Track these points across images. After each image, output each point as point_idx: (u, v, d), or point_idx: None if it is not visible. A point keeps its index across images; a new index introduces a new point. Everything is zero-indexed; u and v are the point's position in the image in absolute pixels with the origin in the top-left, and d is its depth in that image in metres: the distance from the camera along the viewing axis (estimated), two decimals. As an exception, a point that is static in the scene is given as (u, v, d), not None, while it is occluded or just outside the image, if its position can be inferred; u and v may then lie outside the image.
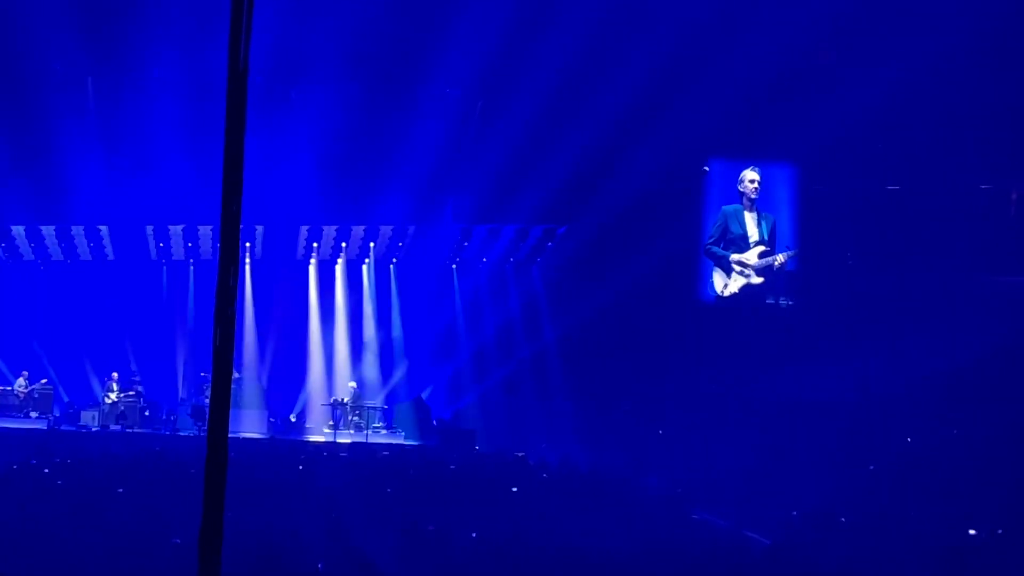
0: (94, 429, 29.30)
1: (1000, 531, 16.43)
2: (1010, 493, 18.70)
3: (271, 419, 31.18)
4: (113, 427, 29.36)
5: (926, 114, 26.82)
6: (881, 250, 28.31)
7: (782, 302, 29.01)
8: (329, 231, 33.22)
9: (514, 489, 19.07)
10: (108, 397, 30.83)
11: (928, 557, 14.26)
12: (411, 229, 32.74)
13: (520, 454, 25.92)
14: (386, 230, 33.12)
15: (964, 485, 19.87)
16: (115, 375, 31.42)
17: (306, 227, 32.69)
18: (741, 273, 28.83)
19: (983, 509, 17.70)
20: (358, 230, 33.18)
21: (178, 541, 12.89)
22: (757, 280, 28.79)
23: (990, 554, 14.69)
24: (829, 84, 26.22)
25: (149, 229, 32.25)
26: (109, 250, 33.21)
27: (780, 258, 28.58)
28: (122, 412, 30.01)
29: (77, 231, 32.23)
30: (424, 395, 32.85)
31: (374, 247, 33.88)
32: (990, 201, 28.17)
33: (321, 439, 29.91)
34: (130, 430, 29.13)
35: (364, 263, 34.49)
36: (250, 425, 29.50)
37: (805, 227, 29.03)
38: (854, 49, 26.17)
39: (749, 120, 27.96)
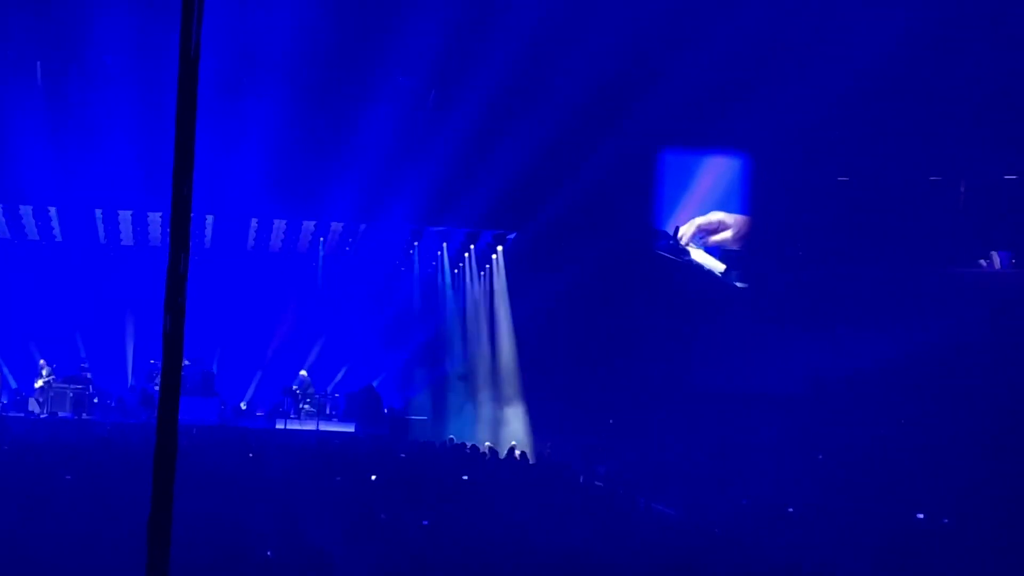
0: (42, 416, 29.05)
1: (946, 520, 16.63)
2: (957, 483, 18.91)
3: (221, 406, 31.02)
4: (62, 414, 29.11)
5: (876, 106, 27.00)
6: (831, 242, 28.50)
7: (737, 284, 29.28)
8: (279, 224, 33.06)
9: (464, 477, 19.10)
10: (38, 383, 30.47)
11: (875, 545, 14.40)
12: (362, 227, 32.67)
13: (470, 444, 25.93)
14: (336, 226, 33.02)
15: (912, 475, 20.09)
16: (42, 361, 31.07)
17: (256, 220, 32.52)
18: None
19: (930, 498, 17.90)
20: (308, 225, 33.06)
21: (127, 529, 12.82)
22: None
23: (936, 542, 14.85)
24: (781, 75, 26.32)
25: (98, 213, 31.91)
26: (57, 232, 32.86)
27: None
28: (71, 398, 29.70)
29: (25, 210, 31.81)
30: (375, 383, 32.81)
31: (323, 242, 33.88)
32: (939, 193, 28.42)
33: (272, 427, 29.79)
34: (78, 417, 28.90)
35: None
36: (200, 413, 29.32)
37: (755, 218, 29.20)
38: (805, 40, 26.29)
39: (700, 111, 28.02)
